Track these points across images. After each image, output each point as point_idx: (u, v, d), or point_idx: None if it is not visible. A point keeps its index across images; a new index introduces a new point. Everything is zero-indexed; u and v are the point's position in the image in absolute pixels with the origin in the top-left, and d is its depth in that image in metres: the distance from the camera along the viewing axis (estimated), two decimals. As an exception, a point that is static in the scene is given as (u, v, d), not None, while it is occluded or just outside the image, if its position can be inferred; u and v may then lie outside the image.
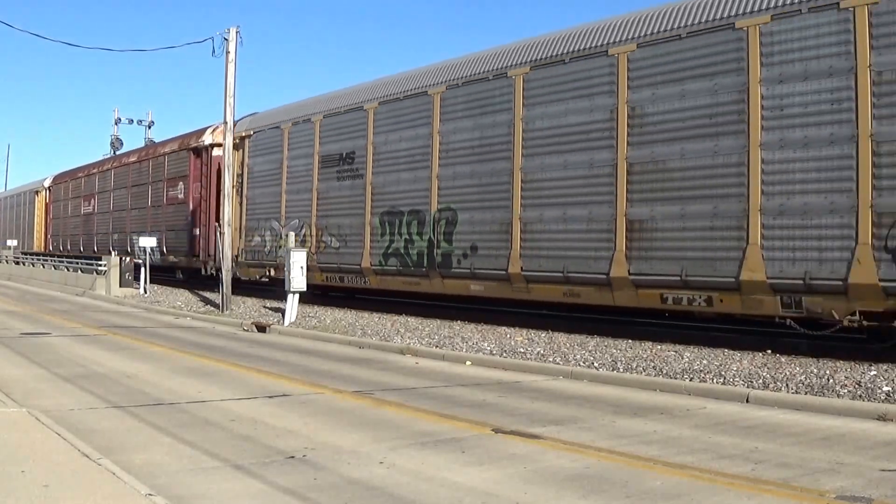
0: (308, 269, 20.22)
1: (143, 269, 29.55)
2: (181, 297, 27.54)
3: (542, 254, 16.19)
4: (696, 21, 13.96)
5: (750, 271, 13.00)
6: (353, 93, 22.26)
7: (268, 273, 25.06)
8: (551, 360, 13.27)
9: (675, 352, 13.46)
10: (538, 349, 14.30)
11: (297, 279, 19.85)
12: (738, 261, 13.16)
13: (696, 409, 9.85)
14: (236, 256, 25.97)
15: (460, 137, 18.27)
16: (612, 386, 11.52)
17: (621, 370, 12.25)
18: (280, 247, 23.80)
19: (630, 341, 14.66)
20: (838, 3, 12.25)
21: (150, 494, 5.69)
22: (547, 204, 16.18)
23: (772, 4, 12.98)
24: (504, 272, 16.95)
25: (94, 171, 40.81)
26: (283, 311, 20.13)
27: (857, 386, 10.33)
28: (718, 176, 13.49)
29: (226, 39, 23.63)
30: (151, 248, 29.81)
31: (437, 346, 15.16)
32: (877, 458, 7.33)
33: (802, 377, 10.99)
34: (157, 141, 44.32)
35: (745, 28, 13.25)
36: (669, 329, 15.24)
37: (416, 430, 8.49)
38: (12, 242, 48.46)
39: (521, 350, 14.35)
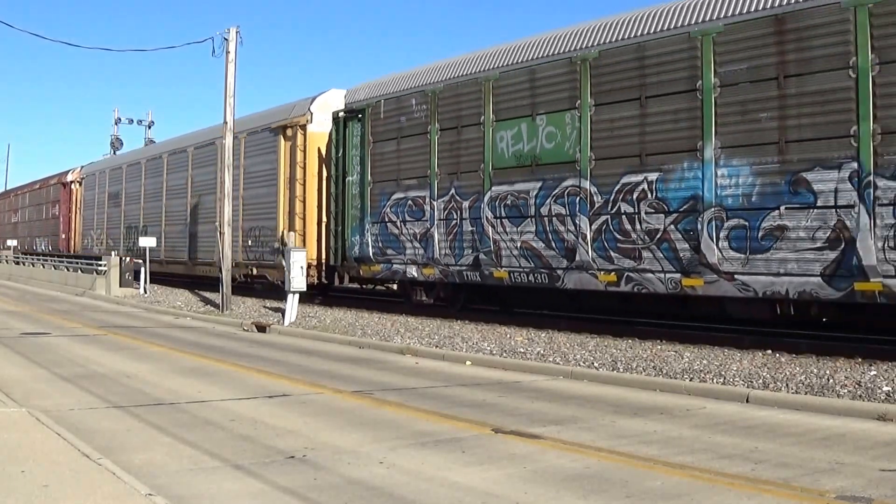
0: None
1: (143, 270, 29.63)
2: (181, 297, 27.57)
3: (172, 247, 31.77)
4: (199, 142, 30.66)
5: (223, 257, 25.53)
6: (120, 157, 41.85)
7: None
8: (551, 360, 13.27)
9: (675, 352, 13.46)
10: (538, 349, 14.30)
11: (297, 279, 19.81)
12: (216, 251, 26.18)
13: (696, 409, 9.85)
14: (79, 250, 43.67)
15: (150, 189, 34.91)
16: (612, 386, 11.51)
17: (621, 370, 12.25)
18: (101, 243, 40.25)
19: (630, 341, 14.66)
20: (285, 129, 25.07)
21: (150, 494, 5.70)
22: (174, 224, 31.94)
23: (247, 128, 26.46)
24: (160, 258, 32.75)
25: (19, 192, 57.05)
26: (282, 311, 20.12)
27: (857, 386, 10.33)
28: (210, 210, 28.36)
29: (226, 39, 23.62)
30: (46, 245, 47.07)
31: (437, 346, 15.15)
32: (877, 458, 7.33)
33: (802, 377, 10.99)
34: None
35: (241, 138, 26.57)
36: (669, 329, 15.25)
37: (416, 430, 8.49)
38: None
39: (521, 350, 14.35)
